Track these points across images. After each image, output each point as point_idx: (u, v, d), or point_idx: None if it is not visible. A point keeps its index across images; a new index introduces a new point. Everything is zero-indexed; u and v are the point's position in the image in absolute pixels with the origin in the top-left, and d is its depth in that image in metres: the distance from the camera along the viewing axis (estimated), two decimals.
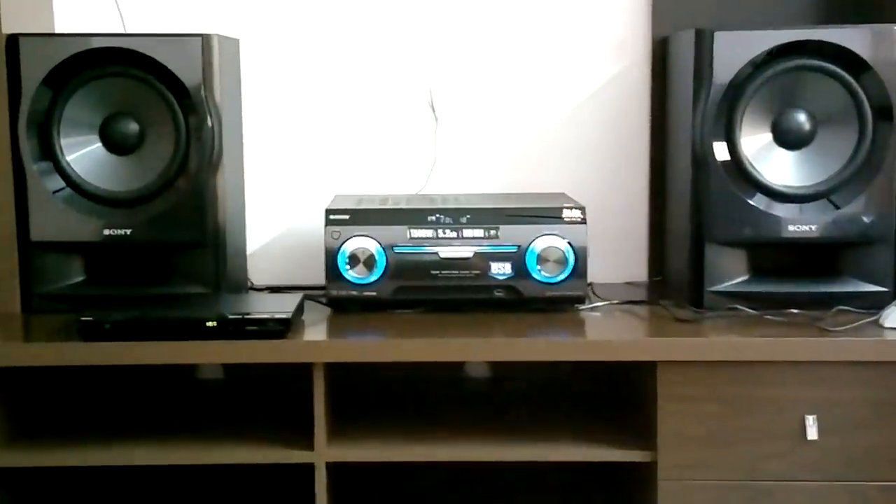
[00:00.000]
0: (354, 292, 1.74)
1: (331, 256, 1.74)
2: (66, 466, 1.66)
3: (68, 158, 1.77)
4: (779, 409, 1.59)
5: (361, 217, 1.75)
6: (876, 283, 1.75)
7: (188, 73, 1.74)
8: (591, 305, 1.80)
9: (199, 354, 1.62)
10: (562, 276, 1.74)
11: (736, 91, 1.73)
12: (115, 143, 1.78)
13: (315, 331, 1.69)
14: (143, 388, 1.95)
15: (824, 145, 1.75)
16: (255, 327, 1.59)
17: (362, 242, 1.73)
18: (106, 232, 1.77)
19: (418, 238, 1.74)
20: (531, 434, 1.68)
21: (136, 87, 1.76)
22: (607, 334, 1.68)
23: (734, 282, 1.77)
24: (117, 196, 1.77)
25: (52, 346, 1.60)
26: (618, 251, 2.07)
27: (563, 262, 1.73)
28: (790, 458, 1.60)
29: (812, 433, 1.59)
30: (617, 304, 1.82)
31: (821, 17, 1.99)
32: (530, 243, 1.74)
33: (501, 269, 1.74)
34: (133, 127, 1.78)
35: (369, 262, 1.73)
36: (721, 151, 1.75)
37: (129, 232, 1.77)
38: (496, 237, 1.74)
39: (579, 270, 1.74)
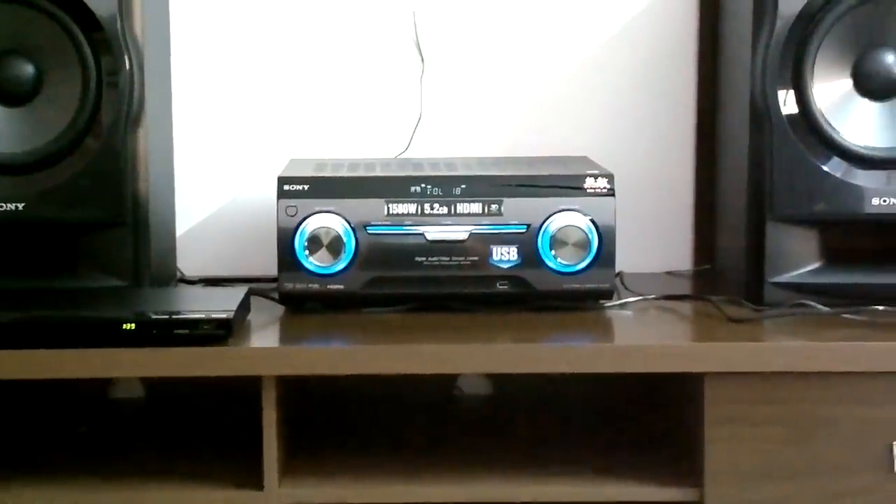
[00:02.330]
0: (315, 285, 1.75)
1: (284, 239, 1.74)
2: None
3: None
4: (860, 433, 1.60)
5: (324, 187, 1.75)
6: None
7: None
8: (620, 301, 1.81)
9: (114, 366, 1.60)
10: (583, 264, 1.74)
11: (807, 24, 1.73)
12: (2, 91, 1.77)
13: (264, 335, 1.69)
14: (40, 409, 1.94)
15: None
16: (185, 331, 1.59)
17: (325, 220, 1.73)
18: None
19: (398, 215, 1.75)
20: (541, 467, 1.68)
21: (31, 16, 1.74)
22: (640, 339, 1.69)
23: (803, 271, 1.78)
24: (6, 160, 1.76)
25: None
26: (654, 232, 2.09)
27: (584, 245, 1.74)
28: (875, 495, 1.60)
29: None
30: (653, 299, 1.83)
31: None
32: (543, 222, 1.74)
33: (506, 255, 1.75)
34: (26, 69, 1.77)
35: (334, 246, 1.73)
36: (787, 102, 1.75)
37: (21, 206, 1.76)
38: (499, 214, 1.75)
39: (606, 256, 1.74)
